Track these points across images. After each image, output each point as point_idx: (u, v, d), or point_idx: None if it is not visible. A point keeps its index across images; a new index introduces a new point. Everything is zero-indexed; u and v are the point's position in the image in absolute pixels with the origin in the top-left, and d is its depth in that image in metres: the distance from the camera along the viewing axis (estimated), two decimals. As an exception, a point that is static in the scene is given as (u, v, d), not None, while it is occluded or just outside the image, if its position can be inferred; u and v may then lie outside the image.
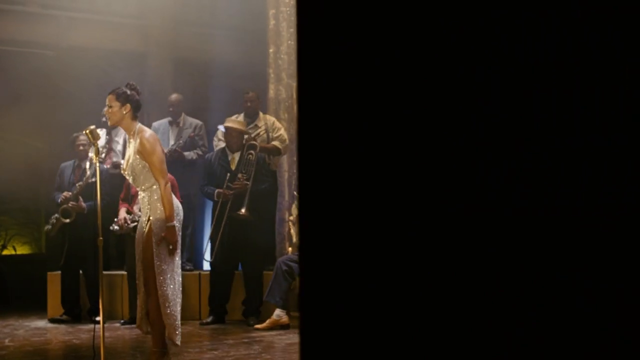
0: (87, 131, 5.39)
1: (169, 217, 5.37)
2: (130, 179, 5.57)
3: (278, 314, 7.60)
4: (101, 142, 8.94)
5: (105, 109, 5.53)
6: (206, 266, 9.05)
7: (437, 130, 1.26)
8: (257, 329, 7.55)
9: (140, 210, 5.88)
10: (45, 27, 9.80)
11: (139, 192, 5.57)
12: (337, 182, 1.29)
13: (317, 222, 1.31)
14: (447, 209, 1.26)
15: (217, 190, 8.02)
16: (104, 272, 8.24)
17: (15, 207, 11.46)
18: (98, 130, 5.50)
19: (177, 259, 5.53)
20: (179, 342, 5.47)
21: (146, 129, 5.58)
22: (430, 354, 1.29)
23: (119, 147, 8.88)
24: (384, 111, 1.27)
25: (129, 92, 5.50)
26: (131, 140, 5.50)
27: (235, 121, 8.31)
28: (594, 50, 1.21)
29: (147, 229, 5.42)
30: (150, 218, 5.40)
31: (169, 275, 5.40)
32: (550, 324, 1.24)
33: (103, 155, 8.81)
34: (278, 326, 7.57)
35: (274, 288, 7.62)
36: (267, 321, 7.62)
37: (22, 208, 11.54)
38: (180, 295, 5.53)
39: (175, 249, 5.41)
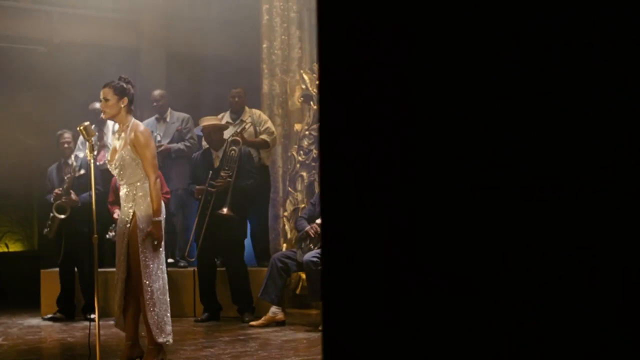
0: (82, 127, 5.32)
1: (156, 211, 5.32)
2: (115, 172, 5.48)
3: (274, 310, 7.56)
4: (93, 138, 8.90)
5: (101, 102, 5.44)
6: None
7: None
8: (253, 326, 7.51)
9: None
10: (38, 23, 9.74)
11: (122, 187, 5.50)
12: (359, 178, 1.27)
13: (341, 217, 1.29)
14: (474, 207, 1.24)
15: (196, 187, 7.97)
16: (99, 270, 8.26)
17: (7, 203, 11.38)
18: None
19: (162, 256, 5.49)
20: (163, 340, 5.38)
21: (140, 123, 5.54)
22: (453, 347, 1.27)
23: (109, 142, 8.81)
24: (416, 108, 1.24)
25: (125, 85, 5.46)
26: (122, 133, 5.45)
27: (209, 118, 8.26)
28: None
29: (132, 225, 5.37)
30: (136, 214, 5.35)
31: (154, 272, 5.34)
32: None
33: (95, 152, 8.74)
34: (274, 323, 7.54)
35: (269, 285, 7.57)
36: (263, 318, 7.58)
37: (15, 205, 11.46)
38: (167, 293, 5.47)
39: (160, 245, 5.37)
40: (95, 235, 5.34)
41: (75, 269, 8.36)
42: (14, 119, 9.81)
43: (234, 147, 8.02)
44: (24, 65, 9.84)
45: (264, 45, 9.45)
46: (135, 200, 5.37)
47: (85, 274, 8.23)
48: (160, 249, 5.44)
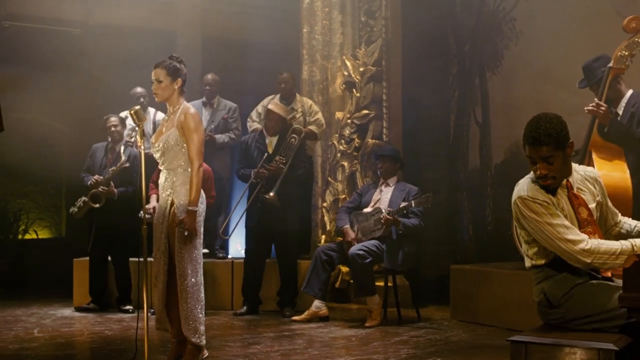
0: (132, 112, 5.05)
1: (193, 201, 5.01)
2: (157, 155, 5.17)
3: (317, 305, 7.28)
4: (129, 125, 8.63)
5: (154, 84, 5.12)
6: (233, 253, 8.75)
7: None
8: (295, 321, 7.24)
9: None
10: (72, 5, 9.45)
11: (162, 174, 5.20)
12: None
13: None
14: None
15: (253, 170, 7.65)
16: (133, 260, 8.00)
17: (35, 190, 11.17)
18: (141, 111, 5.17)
19: (200, 250, 5.18)
20: (197, 341, 5.07)
21: (191, 106, 5.25)
22: None
23: (149, 129, 8.55)
24: None
25: (178, 65, 5.18)
26: (171, 116, 5.16)
27: (279, 105, 7.93)
28: None
29: (170, 216, 5.07)
30: (175, 203, 5.06)
31: (190, 266, 5.03)
32: None
33: (134, 139, 8.47)
34: (317, 318, 7.26)
35: (312, 279, 7.28)
36: (306, 313, 7.30)
37: (42, 191, 11.25)
38: (202, 290, 5.15)
39: (191, 236, 5.02)
40: (145, 227, 5.05)
41: (109, 259, 8.05)
42: (40, 102, 9.55)
43: (294, 135, 7.72)
44: (55, 48, 9.57)
45: (304, 30, 9.14)
46: (174, 188, 5.09)
47: (120, 263, 7.97)
48: (199, 241, 5.13)
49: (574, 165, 3.78)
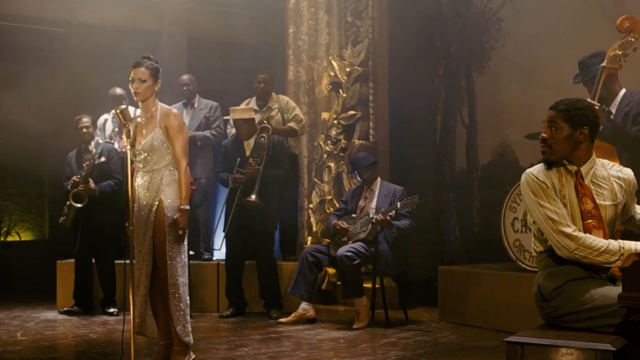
0: (118, 111, 4.98)
1: (186, 199, 5.05)
2: (141, 157, 5.09)
3: (304, 307, 7.22)
4: (109, 127, 8.54)
5: (136, 83, 5.06)
6: (217, 255, 8.67)
7: None
8: (282, 323, 7.17)
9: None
10: (56, 4, 9.30)
11: (140, 175, 5.13)
12: None
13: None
14: None
15: (231, 176, 7.59)
16: (118, 262, 7.92)
17: (17, 192, 11.02)
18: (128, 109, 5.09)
19: (186, 249, 5.17)
20: (187, 340, 5.06)
21: (169, 107, 5.23)
22: None
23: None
24: None
25: (158, 66, 5.16)
26: (147, 117, 5.10)
27: (239, 110, 7.85)
28: None
29: (156, 214, 5.01)
30: (163, 202, 5.01)
31: (180, 266, 5.02)
32: None
33: (115, 140, 8.39)
34: (304, 320, 7.20)
35: (299, 280, 7.22)
36: (293, 315, 7.24)
37: (25, 193, 11.10)
38: (187, 290, 5.13)
39: (184, 235, 5.06)
40: (131, 227, 4.98)
41: (93, 260, 7.95)
42: (22, 103, 9.42)
43: (263, 134, 7.65)
44: (37, 48, 9.44)
45: (290, 30, 9.07)
46: (161, 189, 5.03)
47: (105, 265, 7.88)
48: (184, 242, 5.11)
49: (606, 163, 3.77)
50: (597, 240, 3.45)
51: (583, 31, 7.74)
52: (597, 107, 5.59)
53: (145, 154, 5.08)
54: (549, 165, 3.65)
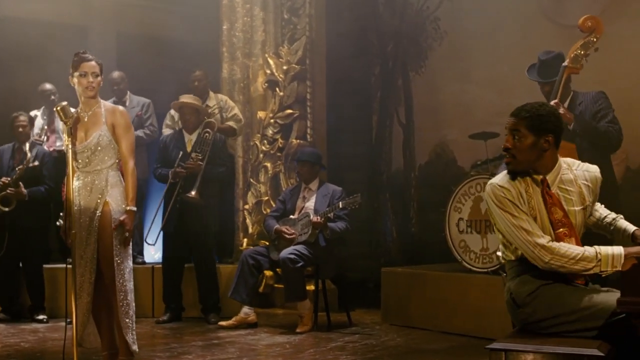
0: (59, 108, 4.67)
1: (133, 200, 4.85)
2: (83, 156, 4.85)
3: (246, 311, 7.01)
4: (39, 123, 8.18)
5: (90, 78, 4.84)
6: (150, 258, 8.39)
7: None
8: (222, 327, 6.96)
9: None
10: (-22, -4, 8.86)
11: (79, 176, 4.88)
12: None
13: None
14: None
15: (171, 170, 7.34)
16: (46, 266, 7.57)
17: None
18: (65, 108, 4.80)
19: (130, 253, 4.95)
20: (135, 349, 4.87)
21: (112, 104, 5.05)
22: None
23: (60, 127, 8.09)
24: None
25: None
26: (88, 114, 4.86)
27: (190, 96, 7.67)
28: None
29: (101, 218, 4.76)
30: (109, 205, 4.78)
31: (127, 271, 4.81)
32: None
33: (44, 137, 8.03)
34: (245, 324, 7.00)
35: (239, 284, 7.00)
36: (234, 319, 7.02)
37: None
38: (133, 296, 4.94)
39: (131, 237, 4.87)
40: (74, 231, 4.68)
41: (20, 265, 7.57)
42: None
43: (208, 130, 7.44)
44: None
45: (224, 27, 8.84)
46: (107, 190, 4.80)
47: (32, 271, 7.51)
48: (130, 246, 4.89)
49: (571, 162, 3.66)
50: (572, 249, 3.35)
51: (521, 31, 7.76)
52: (563, 109, 5.54)
53: (89, 153, 4.83)
54: (514, 176, 3.54)
